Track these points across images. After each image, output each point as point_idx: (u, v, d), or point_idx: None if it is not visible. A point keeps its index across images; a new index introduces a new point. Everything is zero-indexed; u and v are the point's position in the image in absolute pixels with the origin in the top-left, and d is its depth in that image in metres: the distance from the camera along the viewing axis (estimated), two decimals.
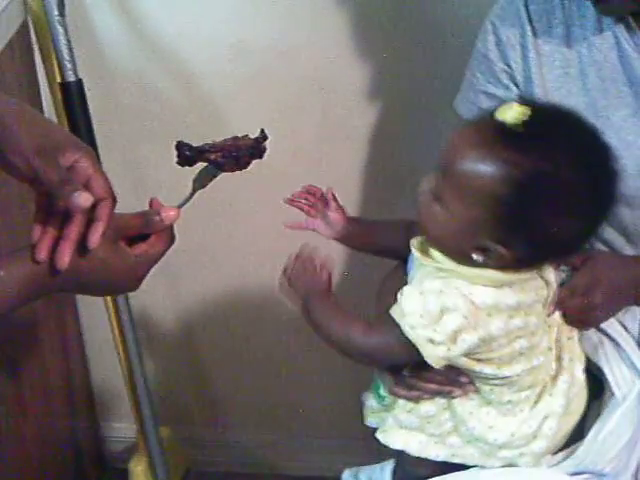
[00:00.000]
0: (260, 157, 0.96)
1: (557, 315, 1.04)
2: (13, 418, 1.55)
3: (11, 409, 1.54)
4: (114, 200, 0.87)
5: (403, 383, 1.04)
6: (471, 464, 1.07)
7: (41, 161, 0.83)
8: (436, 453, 1.07)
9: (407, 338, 0.95)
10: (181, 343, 1.89)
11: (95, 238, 0.83)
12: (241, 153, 0.95)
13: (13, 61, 1.46)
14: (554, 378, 1.04)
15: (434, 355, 0.95)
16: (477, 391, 1.02)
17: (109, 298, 1.50)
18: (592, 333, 1.12)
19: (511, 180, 0.89)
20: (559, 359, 1.04)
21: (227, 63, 1.54)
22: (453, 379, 1.02)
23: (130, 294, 1.50)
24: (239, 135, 0.97)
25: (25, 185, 0.87)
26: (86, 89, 1.39)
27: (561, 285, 1.06)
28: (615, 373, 1.10)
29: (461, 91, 1.26)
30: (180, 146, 0.95)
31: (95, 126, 1.40)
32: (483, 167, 0.91)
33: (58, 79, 1.35)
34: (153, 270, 0.88)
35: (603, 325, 1.12)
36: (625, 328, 1.13)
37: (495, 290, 0.95)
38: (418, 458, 1.08)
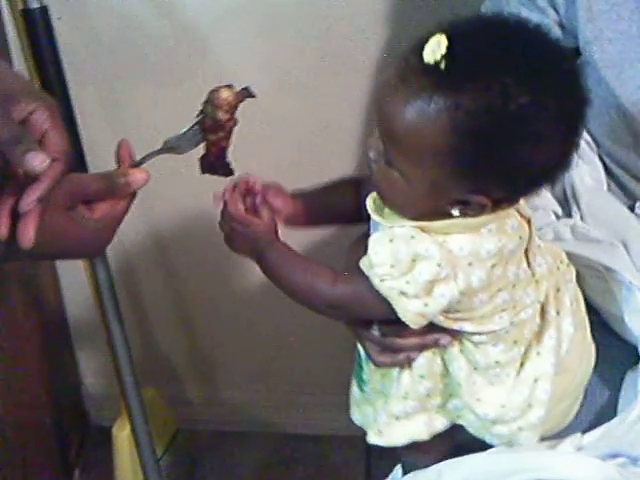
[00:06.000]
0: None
1: (545, 267, 0.94)
2: None
3: None
4: (69, 162, 0.77)
5: (384, 348, 0.95)
6: (472, 431, 0.99)
7: None
8: (441, 422, 1.00)
9: (379, 291, 0.86)
10: (167, 299, 1.85)
11: (27, 202, 0.74)
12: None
13: None
14: (539, 334, 0.95)
15: (408, 311, 0.85)
16: (463, 351, 0.94)
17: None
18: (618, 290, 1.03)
19: (457, 126, 0.76)
20: (543, 313, 0.95)
21: None
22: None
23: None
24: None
25: None
26: (54, 17, 1.26)
27: None
28: None
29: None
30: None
31: (66, 59, 1.28)
32: (422, 122, 0.77)
33: (20, 5, 1.21)
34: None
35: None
36: None
37: (472, 236, 0.84)
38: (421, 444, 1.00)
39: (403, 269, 0.83)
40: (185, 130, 0.88)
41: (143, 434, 1.47)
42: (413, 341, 0.92)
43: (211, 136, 0.88)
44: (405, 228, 0.85)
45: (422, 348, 0.93)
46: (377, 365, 0.97)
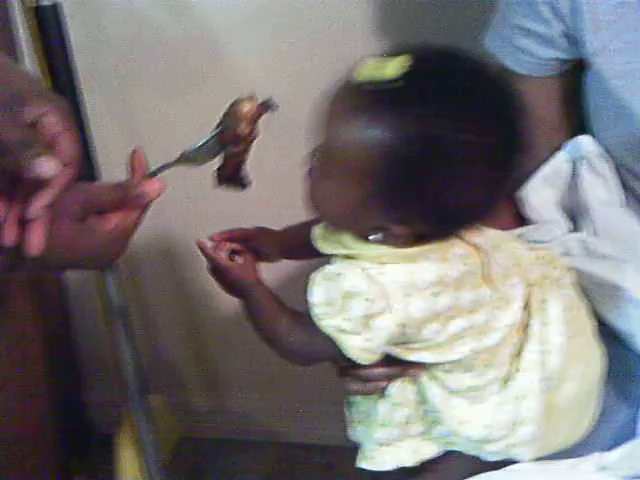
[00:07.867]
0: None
1: (521, 288, 0.91)
2: None
3: None
4: (79, 168, 0.75)
5: (354, 377, 0.93)
6: (469, 451, 0.96)
7: None
8: (431, 449, 0.96)
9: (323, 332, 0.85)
10: (173, 307, 1.83)
11: (35, 208, 0.71)
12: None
13: None
14: (518, 351, 0.92)
15: (352, 347, 0.84)
16: (435, 379, 0.92)
17: None
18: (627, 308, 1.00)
19: (380, 149, 0.77)
20: (525, 327, 0.92)
21: None
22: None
23: None
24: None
25: None
26: (66, 16, 1.26)
27: None
28: None
29: (492, 27, 1.13)
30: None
31: (77, 59, 1.27)
32: (355, 141, 0.79)
33: (32, 2, 1.21)
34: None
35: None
36: None
37: (409, 266, 0.83)
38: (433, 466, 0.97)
39: (338, 307, 0.83)
40: (203, 141, 0.86)
41: (148, 442, 1.46)
42: (379, 371, 0.91)
43: (230, 149, 0.87)
44: (334, 265, 0.85)
45: (390, 378, 0.92)
46: (349, 393, 0.96)
